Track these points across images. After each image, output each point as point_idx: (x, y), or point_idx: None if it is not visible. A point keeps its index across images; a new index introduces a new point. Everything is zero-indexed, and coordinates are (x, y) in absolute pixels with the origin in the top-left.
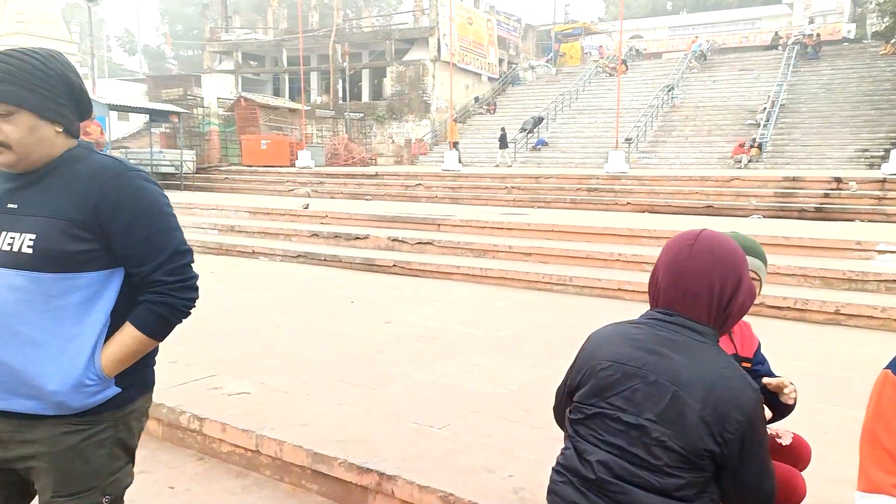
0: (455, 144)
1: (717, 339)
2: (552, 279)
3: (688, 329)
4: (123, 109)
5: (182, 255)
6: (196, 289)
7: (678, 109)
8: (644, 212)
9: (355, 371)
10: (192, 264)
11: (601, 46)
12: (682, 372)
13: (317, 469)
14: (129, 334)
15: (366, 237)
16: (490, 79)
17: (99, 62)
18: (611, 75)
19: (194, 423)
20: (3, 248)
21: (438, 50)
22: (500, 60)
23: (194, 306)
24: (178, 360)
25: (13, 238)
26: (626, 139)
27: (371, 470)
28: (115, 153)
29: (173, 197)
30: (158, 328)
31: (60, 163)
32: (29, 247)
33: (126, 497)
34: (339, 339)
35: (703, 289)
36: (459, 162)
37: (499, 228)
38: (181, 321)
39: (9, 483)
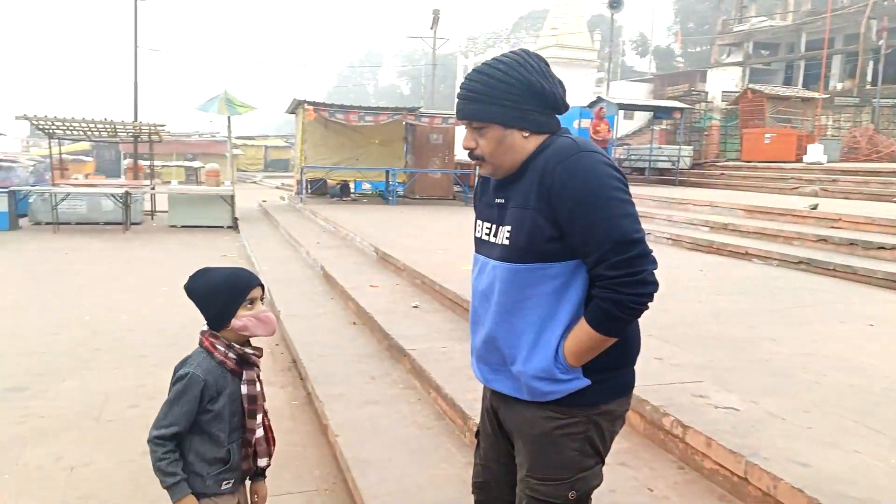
0: None
1: None
2: None
3: None
4: (630, 108)
5: (628, 245)
6: (649, 283)
7: None
8: None
9: (876, 412)
10: (646, 256)
11: None
12: None
13: None
14: (582, 329)
15: (893, 247)
16: None
17: (613, 66)
18: None
19: (677, 429)
20: (491, 240)
21: None
22: None
23: (648, 301)
24: (664, 358)
25: (499, 230)
26: None
27: None
28: (619, 149)
29: (667, 192)
30: (607, 325)
31: (533, 156)
32: (507, 238)
33: (606, 487)
34: (853, 367)
35: None
36: None
37: None
38: (634, 317)
39: (502, 449)
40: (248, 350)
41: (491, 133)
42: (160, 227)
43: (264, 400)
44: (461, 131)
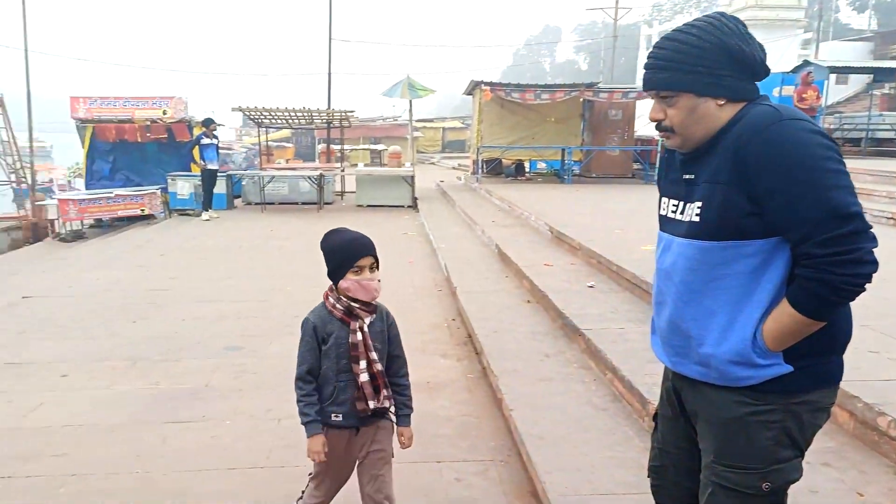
0: None
1: None
2: None
3: None
4: (844, 71)
5: (841, 220)
6: (866, 262)
7: None
8: None
9: None
10: (863, 232)
11: None
12: None
13: None
14: (784, 311)
15: None
16: None
17: (824, 25)
18: None
19: (894, 431)
20: (678, 218)
21: None
22: None
23: (865, 283)
24: (881, 351)
25: (687, 207)
26: None
27: None
28: (828, 118)
29: (889, 165)
30: (814, 307)
31: (726, 127)
32: (697, 215)
33: (806, 486)
34: None
35: None
36: None
37: None
38: (846, 301)
39: (682, 432)
40: (353, 304)
41: (681, 102)
42: (348, 206)
43: (368, 350)
44: (642, 106)
